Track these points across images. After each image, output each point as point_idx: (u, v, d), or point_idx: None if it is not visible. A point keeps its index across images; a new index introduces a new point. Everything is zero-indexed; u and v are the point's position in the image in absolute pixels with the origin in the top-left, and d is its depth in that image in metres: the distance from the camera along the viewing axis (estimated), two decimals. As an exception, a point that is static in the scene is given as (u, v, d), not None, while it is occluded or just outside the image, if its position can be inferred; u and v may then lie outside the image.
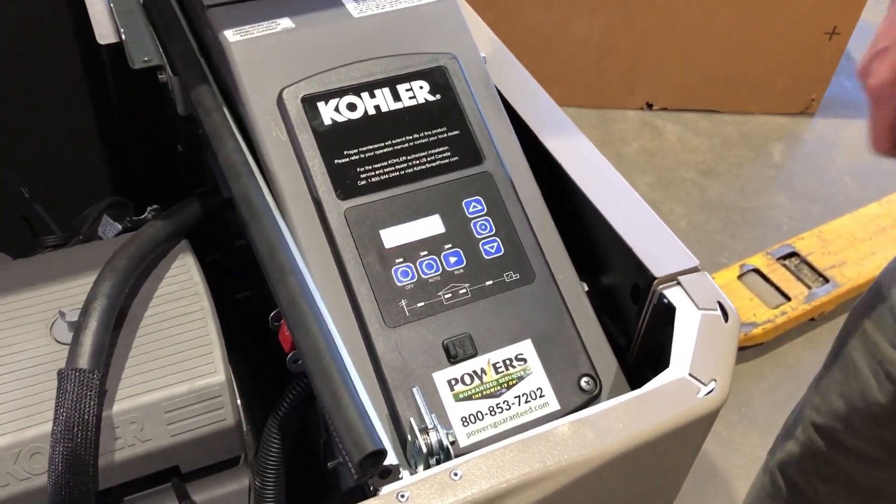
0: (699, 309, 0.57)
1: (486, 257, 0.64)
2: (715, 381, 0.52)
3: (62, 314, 0.69)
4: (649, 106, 2.23)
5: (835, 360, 0.82)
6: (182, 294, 0.73)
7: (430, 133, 0.67)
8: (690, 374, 0.53)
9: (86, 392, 0.61)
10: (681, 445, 0.53)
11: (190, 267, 0.75)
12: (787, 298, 1.63)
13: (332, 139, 0.65)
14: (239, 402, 0.71)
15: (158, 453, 0.66)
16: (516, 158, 0.69)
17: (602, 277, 0.66)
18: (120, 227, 0.89)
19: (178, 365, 0.68)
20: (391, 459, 0.48)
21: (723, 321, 0.56)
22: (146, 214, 0.91)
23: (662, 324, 0.60)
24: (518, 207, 0.66)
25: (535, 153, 0.70)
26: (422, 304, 0.61)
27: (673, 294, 0.59)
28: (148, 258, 0.73)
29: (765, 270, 1.68)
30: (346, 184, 0.64)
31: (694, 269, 0.60)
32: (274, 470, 0.67)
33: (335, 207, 0.63)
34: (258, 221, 0.60)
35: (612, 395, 0.62)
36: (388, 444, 0.49)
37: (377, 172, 0.65)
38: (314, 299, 0.55)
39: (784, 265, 1.71)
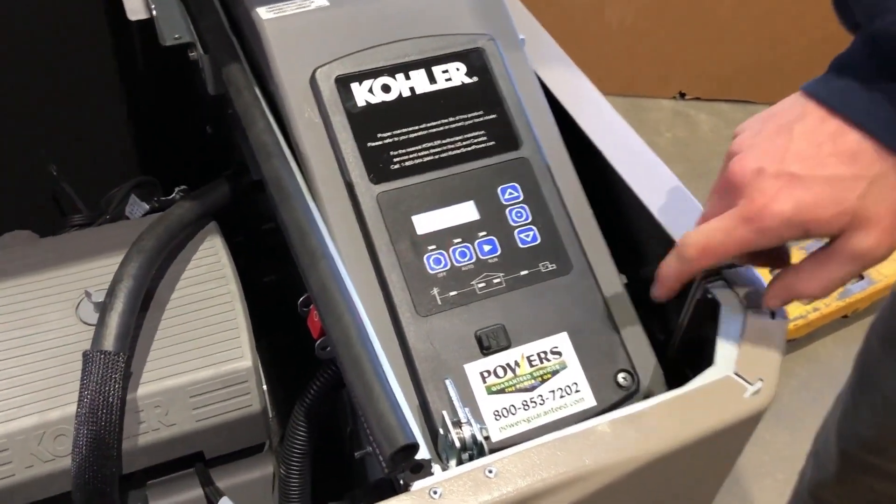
0: (745, 305, 0.55)
1: (522, 246, 0.62)
2: (762, 380, 0.50)
3: (88, 294, 0.68)
4: (682, 95, 2.19)
5: (862, 387, 0.79)
6: (209, 276, 0.72)
7: (465, 116, 0.65)
8: (736, 374, 0.51)
9: (110, 375, 0.60)
10: (724, 447, 0.51)
11: (218, 249, 0.74)
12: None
13: (366, 121, 0.63)
14: (265, 387, 0.70)
15: (182, 438, 0.65)
16: (554, 144, 0.67)
17: (642, 270, 0.63)
18: (147, 207, 0.88)
19: (205, 349, 0.67)
20: (423, 454, 0.46)
21: (769, 318, 0.54)
22: (174, 195, 0.90)
23: (705, 319, 0.57)
24: (555, 195, 0.64)
25: (573, 140, 0.68)
26: (454, 293, 0.59)
27: (717, 289, 0.56)
28: (175, 239, 0.72)
29: (798, 265, 1.64)
30: (379, 167, 0.62)
31: (740, 265, 0.57)
32: (299, 458, 0.66)
33: (368, 191, 0.61)
34: (289, 204, 0.58)
35: (650, 392, 0.59)
36: (419, 438, 0.47)
37: (411, 156, 0.63)
38: (345, 286, 0.54)
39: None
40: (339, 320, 0.50)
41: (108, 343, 0.61)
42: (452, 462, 0.49)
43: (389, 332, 0.58)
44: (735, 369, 0.51)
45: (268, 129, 0.63)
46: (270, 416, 0.70)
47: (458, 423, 0.50)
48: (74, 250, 0.73)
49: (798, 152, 0.46)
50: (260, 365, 0.68)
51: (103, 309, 0.63)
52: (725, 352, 0.52)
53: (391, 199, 0.61)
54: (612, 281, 0.63)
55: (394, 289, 0.59)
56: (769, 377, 0.50)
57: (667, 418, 0.48)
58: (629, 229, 0.65)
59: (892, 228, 0.45)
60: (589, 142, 0.66)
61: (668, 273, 0.54)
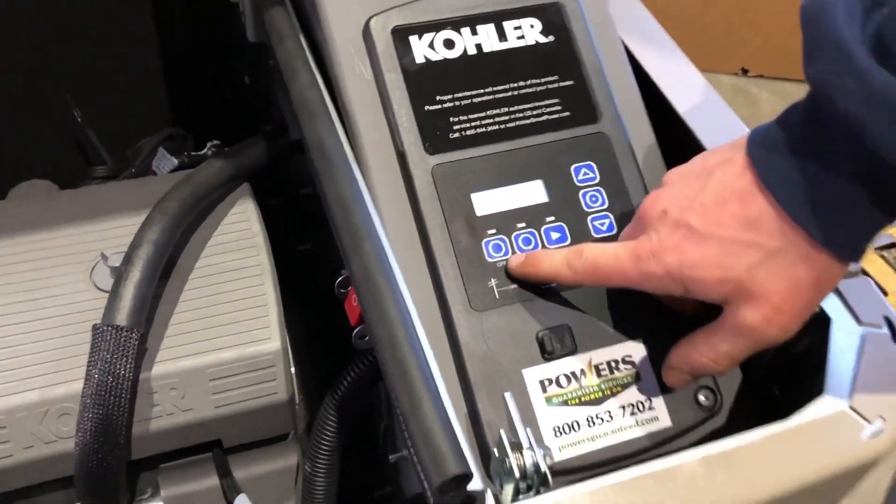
0: (860, 324, 0.46)
1: (596, 235, 0.54)
2: (883, 419, 0.42)
3: (104, 257, 0.61)
4: (745, 72, 2.07)
5: None
6: (239, 245, 0.65)
7: (538, 81, 0.56)
8: (851, 408, 0.42)
9: (122, 353, 0.53)
10: (830, 495, 0.43)
11: (250, 215, 0.67)
12: (885, 293, 1.48)
13: (424, 81, 0.55)
14: (294, 371, 0.63)
15: (199, 425, 0.59)
16: (638, 120, 0.58)
17: None
18: (176, 162, 0.81)
19: (228, 327, 0.60)
20: (475, 484, 0.38)
21: (892, 341, 0.45)
22: (206, 150, 0.83)
23: (807, 335, 0.49)
24: (637, 178, 0.55)
25: (661, 118, 0.59)
26: (514, 286, 0.51)
27: (827, 302, 0.48)
28: (203, 202, 0.64)
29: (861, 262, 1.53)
30: (436, 135, 0.54)
31: (855, 274, 0.49)
32: (327, 455, 0.59)
33: (422, 162, 0.53)
34: (332, 173, 0.50)
35: (733, 413, 0.51)
36: (471, 461, 0.40)
37: (473, 124, 0.55)
38: (392, 273, 0.46)
39: (882, 256, 1.56)
40: (384, 317, 0.43)
41: (122, 317, 0.54)
42: (508, 490, 0.42)
43: (438, 326, 0.50)
44: (850, 402, 0.43)
45: (312, 85, 0.55)
46: (297, 402, 0.64)
47: (517, 446, 0.42)
48: (93, 206, 0.67)
49: (703, 204, 0.44)
50: (289, 347, 0.61)
51: (118, 277, 0.56)
52: (838, 379, 0.44)
53: (448, 173, 0.53)
54: (696, 282, 0.54)
55: (446, 277, 0.51)
56: (893, 415, 0.42)
57: (768, 459, 0.40)
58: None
59: (785, 308, 0.42)
60: (681, 121, 0.57)
61: (548, 274, 0.50)
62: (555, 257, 0.49)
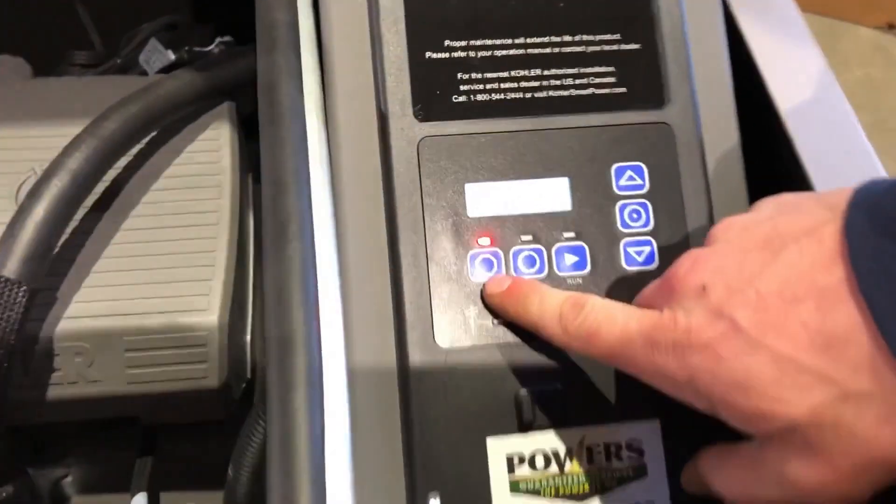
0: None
1: (627, 267, 0.39)
2: None
3: (35, 173, 0.50)
4: (890, 27, 1.79)
5: None
6: (199, 183, 0.52)
7: (591, 39, 0.41)
8: None
9: (5, 310, 0.42)
10: None
11: (222, 145, 0.54)
12: None
13: (429, 19, 0.40)
14: (248, 350, 0.52)
15: (109, 400, 0.48)
16: (721, 114, 0.42)
17: None
18: (173, 57, 0.68)
19: (159, 287, 0.48)
20: None
21: None
22: (212, 47, 0.70)
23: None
24: (703, 196, 0.40)
25: (755, 115, 0.43)
26: (499, 321, 0.38)
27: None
28: (158, 123, 0.52)
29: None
30: (433, 95, 0.39)
31: None
32: (252, 460, 0.48)
33: (406, 131, 0.39)
34: (275, 133, 0.37)
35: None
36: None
37: (487, 87, 0.40)
38: (312, 291, 0.33)
39: None
40: (284, 373, 0.30)
41: (10, 267, 0.43)
42: None
43: (387, 358, 0.37)
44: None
45: (285, 2, 0.41)
46: (239, 387, 0.53)
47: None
48: (49, 103, 0.55)
49: (762, 295, 0.29)
50: (228, 322, 0.50)
51: (17, 213, 0.44)
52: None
53: (440, 151, 0.39)
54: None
55: (409, 293, 0.37)
56: None
57: None
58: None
59: (850, 475, 0.28)
60: (782, 129, 0.41)
61: (531, 319, 0.36)
62: (548, 300, 0.35)
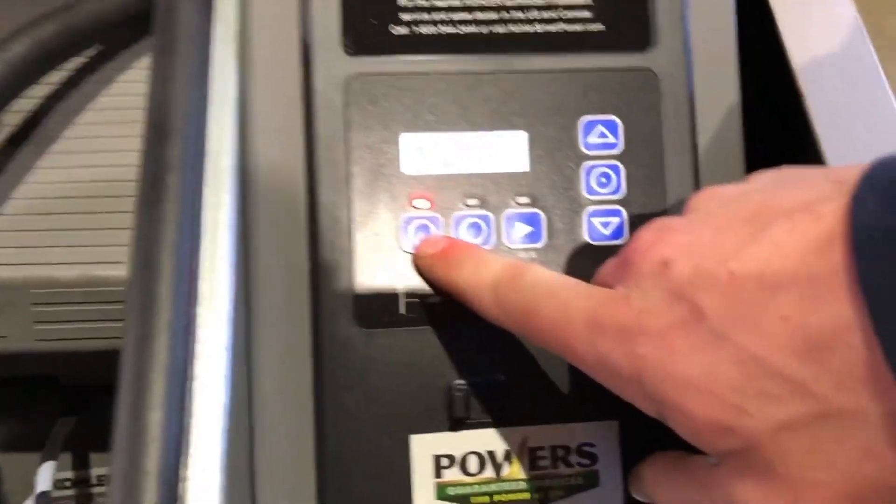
0: None
1: (591, 241, 0.33)
2: None
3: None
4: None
5: None
6: (131, 117, 0.46)
7: (564, -38, 0.34)
8: None
9: None
10: None
11: (159, 73, 0.47)
12: None
13: (367, -73, 0.33)
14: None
15: (17, 357, 0.43)
16: (720, 58, 0.35)
17: None
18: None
19: (74, 234, 0.43)
20: None
21: None
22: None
23: None
24: (687, 158, 0.33)
25: (764, 73, 0.36)
26: (436, 299, 0.32)
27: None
28: (85, 44, 0.45)
29: None
30: (367, 24, 0.33)
31: None
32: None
33: (333, 66, 0.32)
34: (168, 61, 0.30)
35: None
36: None
37: (434, 17, 0.33)
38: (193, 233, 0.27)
39: None
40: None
41: None
42: None
43: (300, 345, 0.32)
44: None
45: None
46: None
47: None
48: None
49: (735, 275, 0.23)
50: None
51: None
52: None
53: (371, 91, 0.32)
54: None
55: (326, 263, 0.32)
56: None
57: None
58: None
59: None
60: (794, 90, 0.34)
61: (464, 287, 0.30)
62: (484, 267, 0.29)
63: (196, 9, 0.31)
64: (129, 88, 0.46)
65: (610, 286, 0.27)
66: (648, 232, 0.26)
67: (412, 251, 0.32)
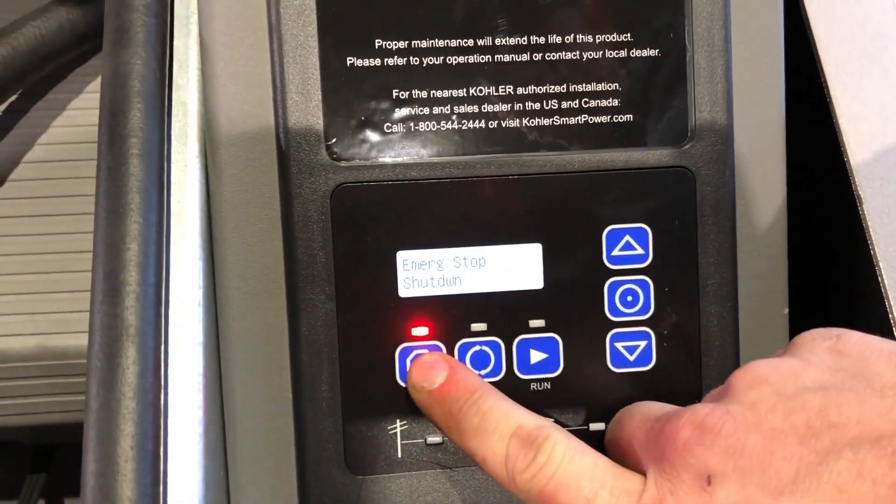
0: None
1: (613, 369, 0.29)
2: None
3: None
4: None
5: None
6: (84, 154, 0.41)
7: (586, 40, 0.28)
8: None
9: None
10: None
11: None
12: None
13: (353, 6, 0.27)
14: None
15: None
16: (767, 154, 0.30)
17: None
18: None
19: (27, 302, 0.39)
20: None
21: None
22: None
23: None
24: (726, 271, 0.29)
25: (815, 160, 0.31)
26: (437, 438, 0.28)
27: None
28: (28, 78, 0.40)
29: None
30: (354, 123, 0.27)
31: None
32: None
33: (316, 175, 0.27)
34: (117, 179, 0.25)
35: None
36: None
37: (434, 111, 0.28)
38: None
39: None
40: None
41: None
42: None
43: (286, 495, 0.28)
44: None
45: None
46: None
47: None
48: None
49: (835, 421, 0.20)
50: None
51: None
52: None
53: (362, 203, 0.28)
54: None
55: (312, 403, 0.28)
56: None
57: None
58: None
59: None
60: (848, 183, 0.29)
61: (476, 446, 0.26)
62: (491, 424, 0.25)
63: (150, 106, 0.26)
64: (76, 119, 0.41)
65: (635, 459, 0.24)
66: (687, 424, 0.22)
67: (410, 374, 0.28)
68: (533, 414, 0.26)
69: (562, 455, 0.24)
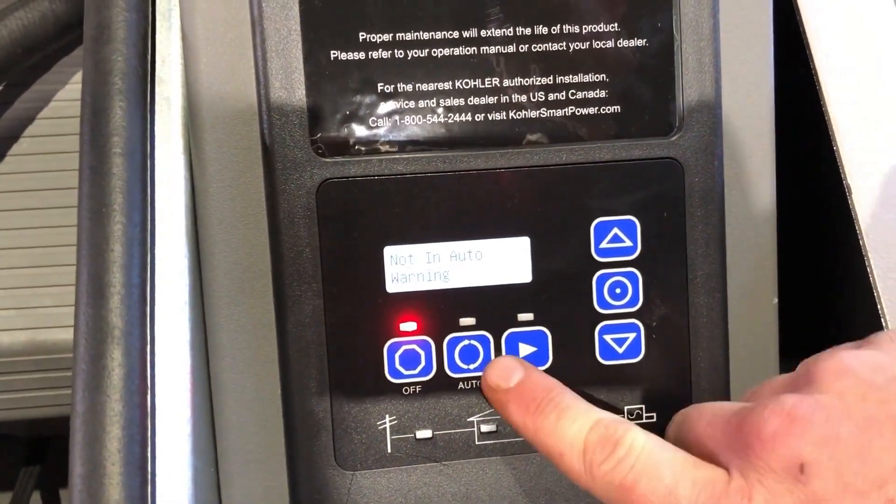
0: None
1: (602, 361, 0.29)
2: None
3: None
4: None
5: None
6: (70, 146, 0.41)
7: (573, 30, 0.28)
8: None
9: None
10: None
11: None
12: None
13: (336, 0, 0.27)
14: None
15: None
16: (755, 144, 0.30)
17: None
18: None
19: (18, 295, 0.39)
20: None
21: None
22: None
23: None
24: (714, 263, 0.29)
25: (805, 153, 0.31)
26: (426, 433, 0.28)
27: None
28: (11, 69, 0.39)
29: None
30: (341, 118, 0.27)
31: None
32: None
33: (302, 170, 0.27)
34: (100, 180, 0.25)
35: None
36: None
37: (420, 104, 0.28)
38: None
39: None
40: None
41: None
42: None
43: (277, 491, 0.28)
44: None
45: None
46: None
47: None
48: None
49: None
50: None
51: None
52: None
53: (348, 199, 0.27)
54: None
55: (300, 399, 0.28)
56: None
57: None
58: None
59: None
60: (838, 180, 0.29)
61: (555, 446, 0.26)
62: (569, 420, 0.26)
63: (131, 103, 0.26)
64: (62, 110, 0.41)
65: (712, 454, 0.23)
66: (774, 415, 0.22)
67: (484, 373, 0.28)
68: (609, 413, 0.26)
69: (641, 447, 0.24)
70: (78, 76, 0.41)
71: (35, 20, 0.38)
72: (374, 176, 0.27)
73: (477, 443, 0.28)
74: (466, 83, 0.27)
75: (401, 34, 0.27)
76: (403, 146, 0.27)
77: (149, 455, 0.23)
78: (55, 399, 0.40)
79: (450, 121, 0.27)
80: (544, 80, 0.28)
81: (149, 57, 0.27)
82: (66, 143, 0.39)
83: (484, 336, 0.28)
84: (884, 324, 0.27)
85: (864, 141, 0.29)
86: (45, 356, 0.38)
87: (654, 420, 0.29)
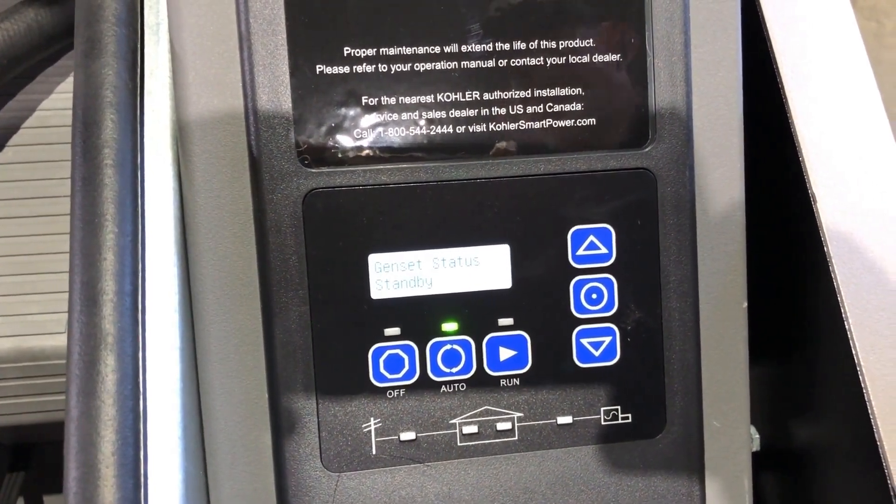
0: None
1: (580, 364, 0.30)
2: None
3: None
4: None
5: None
6: (62, 154, 0.41)
7: (550, 46, 0.29)
8: None
9: None
10: None
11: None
12: None
13: (322, 15, 0.28)
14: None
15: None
16: (725, 154, 0.31)
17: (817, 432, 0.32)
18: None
19: (5, 303, 0.39)
20: None
21: None
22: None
23: None
24: (687, 268, 0.30)
25: (773, 162, 0.32)
26: (410, 434, 0.29)
27: None
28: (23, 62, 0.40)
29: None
30: (326, 131, 0.28)
31: None
32: None
33: (288, 181, 0.28)
34: (92, 189, 0.26)
35: None
36: None
37: (403, 117, 0.28)
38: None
39: None
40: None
41: None
42: None
43: (264, 492, 0.29)
44: None
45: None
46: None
47: None
48: None
49: None
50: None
51: None
52: None
53: (333, 208, 0.28)
54: (742, 463, 0.31)
55: (287, 403, 0.28)
56: None
57: None
58: (822, 372, 0.32)
59: None
60: (804, 186, 0.30)
61: None
62: None
63: (122, 117, 0.27)
64: (49, 119, 0.41)
65: None
66: None
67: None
68: None
69: None
70: (63, 86, 0.41)
71: (20, 31, 0.39)
72: (359, 186, 0.28)
73: (459, 444, 0.29)
74: (447, 96, 0.28)
75: (384, 49, 0.28)
76: (387, 157, 0.28)
77: (141, 458, 0.24)
78: (41, 405, 0.40)
79: (432, 132, 0.28)
80: (522, 94, 0.29)
81: (138, 70, 0.28)
82: (51, 153, 0.40)
83: (465, 340, 0.29)
84: (847, 327, 0.29)
85: (829, 151, 0.30)
86: (30, 363, 0.39)
87: (630, 420, 0.30)
